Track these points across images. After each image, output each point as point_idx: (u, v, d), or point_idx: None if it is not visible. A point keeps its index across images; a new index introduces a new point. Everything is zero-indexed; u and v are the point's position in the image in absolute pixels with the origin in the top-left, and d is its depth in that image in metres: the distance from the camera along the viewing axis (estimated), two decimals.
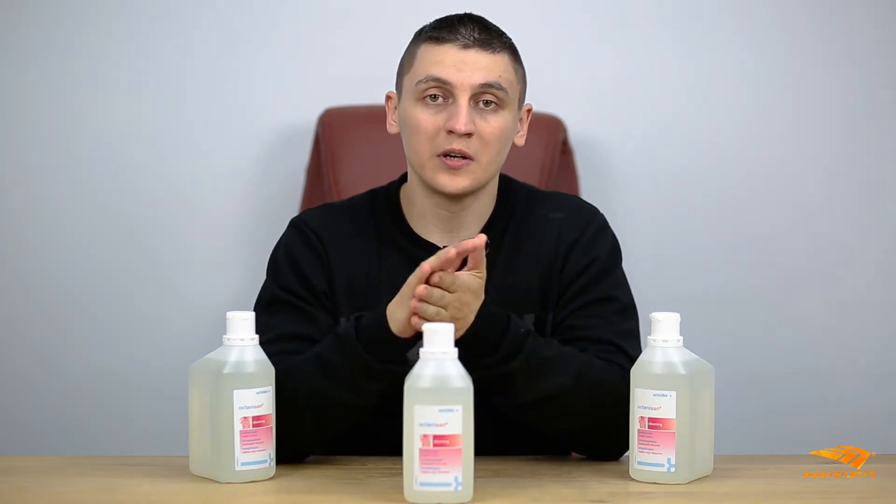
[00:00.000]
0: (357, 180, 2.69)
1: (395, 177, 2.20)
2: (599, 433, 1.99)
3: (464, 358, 1.82)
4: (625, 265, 2.18)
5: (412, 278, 1.89)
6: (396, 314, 1.91)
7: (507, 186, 2.18)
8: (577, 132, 2.95)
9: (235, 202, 3.00)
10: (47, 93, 2.99)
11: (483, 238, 1.90)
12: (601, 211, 2.20)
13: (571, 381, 1.97)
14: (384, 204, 2.17)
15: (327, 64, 2.99)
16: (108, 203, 3.00)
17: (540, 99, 2.85)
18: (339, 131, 2.86)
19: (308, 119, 2.94)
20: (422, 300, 1.87)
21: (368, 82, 2.33)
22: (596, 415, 1.98)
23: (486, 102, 2.07)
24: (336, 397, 1.95)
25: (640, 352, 1.99)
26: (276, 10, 2.99)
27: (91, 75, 2.98)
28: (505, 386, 1.96)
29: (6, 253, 3.00)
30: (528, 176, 2.70)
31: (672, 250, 3.01)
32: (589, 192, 2.92)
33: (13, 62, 2.98)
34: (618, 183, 3.00)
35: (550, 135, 2.86)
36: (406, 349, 1.92)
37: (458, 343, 1.81)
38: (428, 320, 1.85)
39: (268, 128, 3.01)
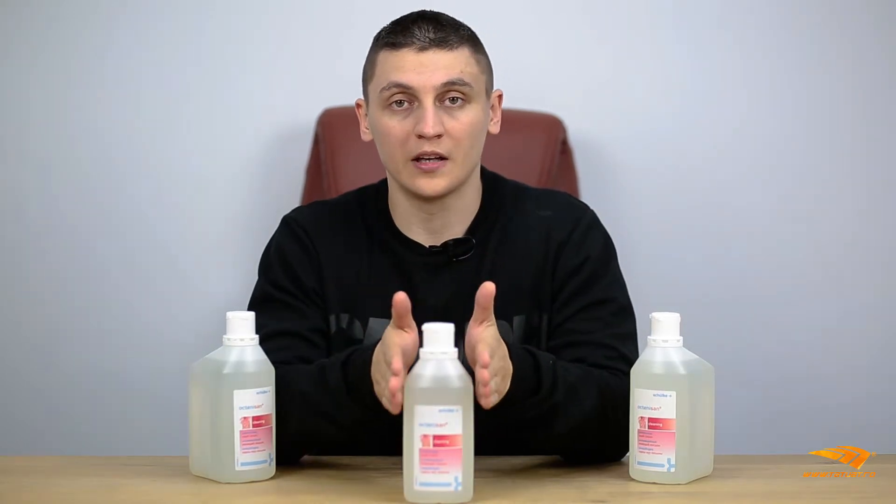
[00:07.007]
0: (357, 180, 2.67)
1: None
2: (612, 442, 1.97)
3: (504, 410, 1.82)
4: (625, 265, 2.17)
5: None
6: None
7: (494, 184, 2.16)
8: (576, 132, 2.95)
9: (235, 202, 3.00)
10: (48, 92, 2.99)
11: (491, 287, 1.81)
12: (600, 210, 2.18)
13: (597, 400, 1.95)
14: (373, 202, 2.17)
15: (327, 64, 2.99)
16: (107, 203, 3.00)
17: (540, 99, 2.87)
18: (338, 131, 2.86)
19: (308, 119, 2.94)
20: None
21: None
22: (617, 426, 1.95)
23: (453, 99, 2.05)
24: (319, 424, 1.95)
25: (638, 353, 1.99)
26: (277, 10, 2.99)
27: (89, 75, 2.98)
28: (550, 418, 1.91)
29: (6, 253, 3.00)
30: (528, 176, 2.70)
31: (672, 250, 3.01)
32: (588, 192, 2.92)
33: (12, 62, 2.98)
34: (618, 183, 3.00)
35: (550, 135, 2.86)
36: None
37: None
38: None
39: (268, 128, 3.01)
